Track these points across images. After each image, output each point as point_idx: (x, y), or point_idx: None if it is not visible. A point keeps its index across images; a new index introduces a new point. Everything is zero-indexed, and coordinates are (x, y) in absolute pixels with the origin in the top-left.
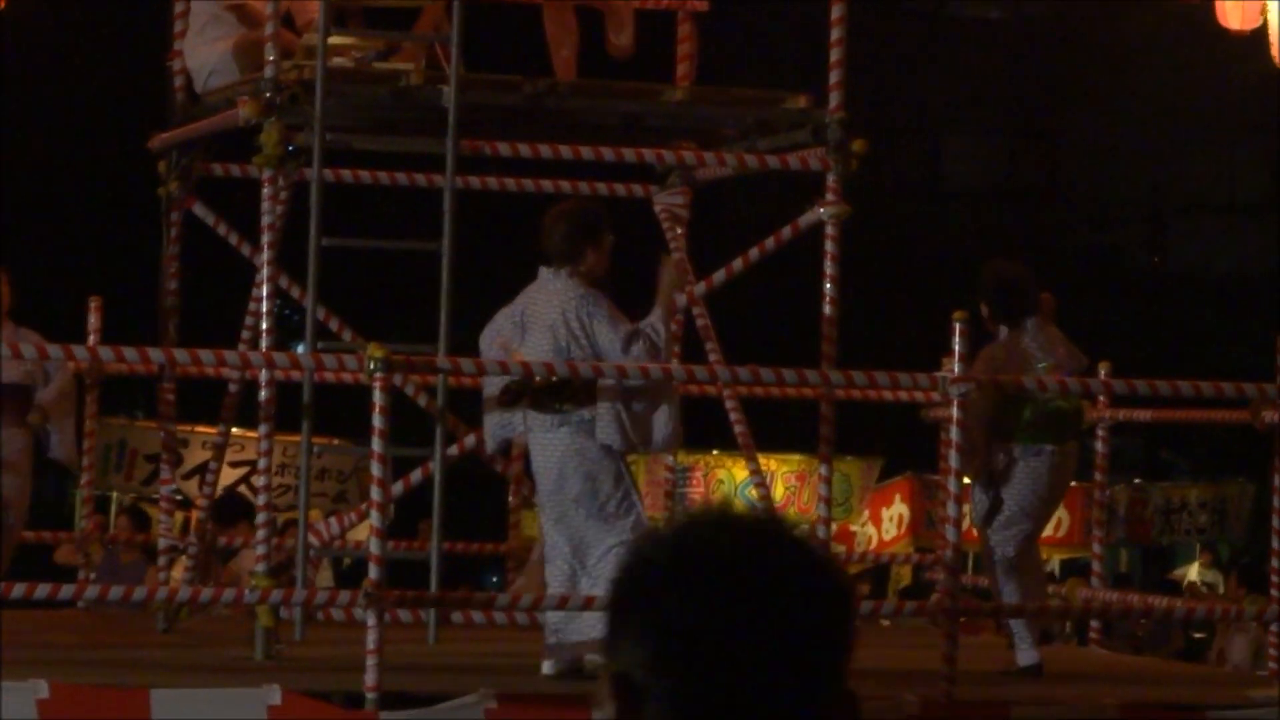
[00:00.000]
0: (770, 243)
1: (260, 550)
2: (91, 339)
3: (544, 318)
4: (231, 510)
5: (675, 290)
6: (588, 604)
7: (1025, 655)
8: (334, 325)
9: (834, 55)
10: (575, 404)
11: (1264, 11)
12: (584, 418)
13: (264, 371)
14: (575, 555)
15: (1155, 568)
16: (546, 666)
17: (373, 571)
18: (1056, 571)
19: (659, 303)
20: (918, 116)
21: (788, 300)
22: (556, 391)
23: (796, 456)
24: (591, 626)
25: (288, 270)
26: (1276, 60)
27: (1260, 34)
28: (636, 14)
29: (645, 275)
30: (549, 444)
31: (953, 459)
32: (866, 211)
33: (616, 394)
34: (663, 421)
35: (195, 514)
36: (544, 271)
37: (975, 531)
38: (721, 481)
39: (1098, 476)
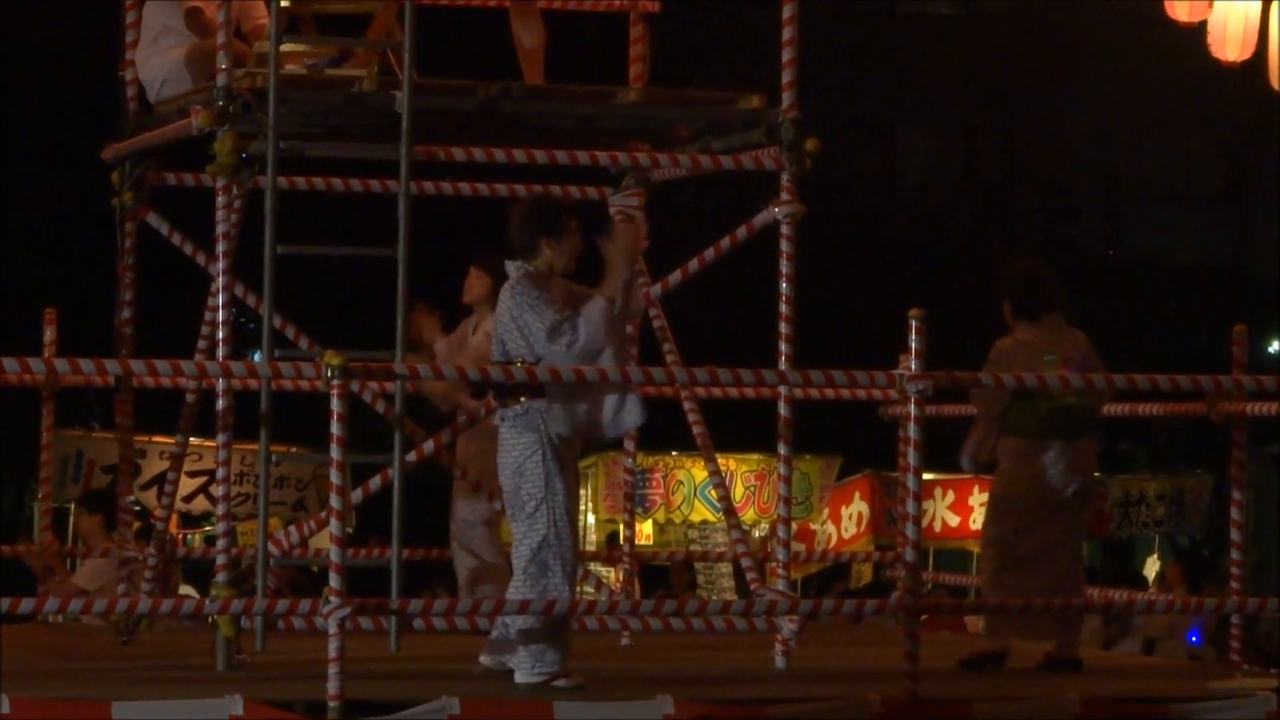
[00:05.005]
0: (725, 243)
1: (220, 560)
2: (47, 351)
3: (497, 311)
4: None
5: (625, 260)
6: (522, 609)
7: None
8: (290, 333)
9: (786, 54)
10: (516, 397)
11: (1211, 6)
12: (516, 412)
13: (221, 380)
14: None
15: (1115, 561)
16: (484, 658)
17: (333, 580)
18: None
19: (605, 281)
20: (873, 110)
21: (744, 300)
22: (500, 385)
23: (756, 456)
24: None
25: (243, 279)
26: (1213, 53)
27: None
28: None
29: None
30: (499, 438)
31: (911, 456)
32: (823, 207)
33: (560, 383)
34: (610, 406)
35: (155, 524)
36: (507, 265)
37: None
38: (681, 483)
39: None
